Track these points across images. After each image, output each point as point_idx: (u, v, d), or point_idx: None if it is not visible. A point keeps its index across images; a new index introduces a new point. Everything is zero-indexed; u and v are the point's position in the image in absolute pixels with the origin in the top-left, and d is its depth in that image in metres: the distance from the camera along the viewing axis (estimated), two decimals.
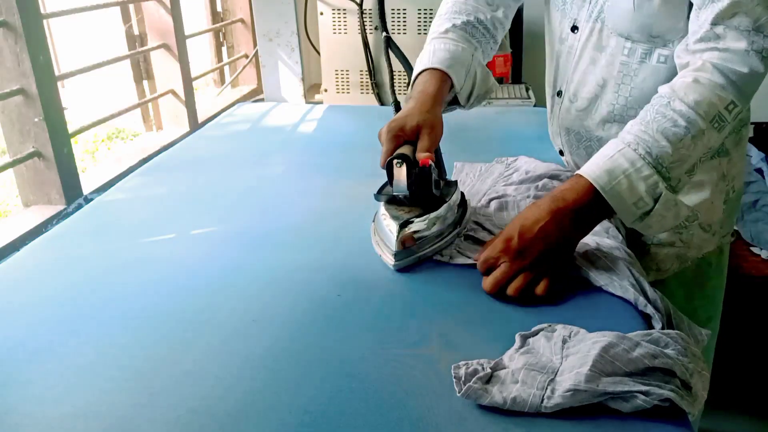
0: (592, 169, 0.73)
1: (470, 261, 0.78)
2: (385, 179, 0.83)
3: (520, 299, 0.71)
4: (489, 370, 0.57)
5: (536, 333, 0.63)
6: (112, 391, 0.58)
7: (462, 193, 0.88)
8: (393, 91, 1.58)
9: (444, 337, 0.65)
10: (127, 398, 0.57)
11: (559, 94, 1.02)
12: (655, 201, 0.71)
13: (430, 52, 0.92)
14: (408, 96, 0.91)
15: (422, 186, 0.80)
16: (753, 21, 0.71)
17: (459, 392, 0.55)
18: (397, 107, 1.47)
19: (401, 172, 0.78)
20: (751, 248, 2.20)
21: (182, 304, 0.72)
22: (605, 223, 0.83)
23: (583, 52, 0.95)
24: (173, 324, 0.68)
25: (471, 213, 0.88)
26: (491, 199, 0.92)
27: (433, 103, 0.86)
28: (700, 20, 0.75)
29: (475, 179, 1.03)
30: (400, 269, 0.78)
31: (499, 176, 1.01)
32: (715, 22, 0.73)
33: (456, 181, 0.89)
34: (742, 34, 0.72)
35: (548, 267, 0.72)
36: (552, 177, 0.96)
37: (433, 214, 0.79)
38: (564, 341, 0.60)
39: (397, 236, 0.77)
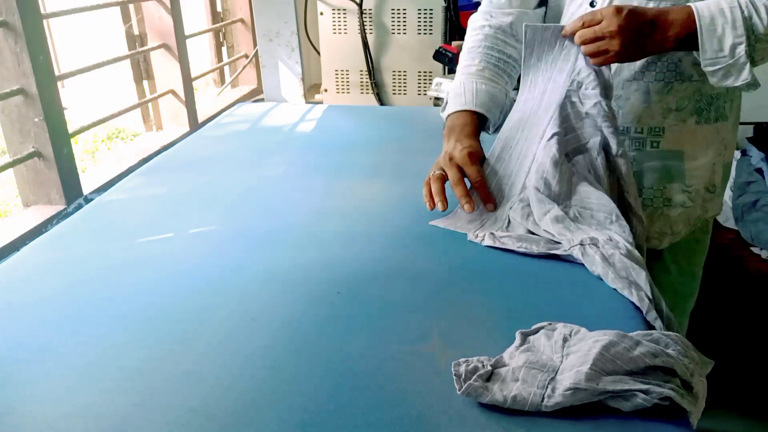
0: (703, 7, 0.85)
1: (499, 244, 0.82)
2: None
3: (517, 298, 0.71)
4: (489, 368, 0.57)
5: (537, 331, 0.63)
6: (112, 391, 0.58)
7: None
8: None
9: (444, 335, 0.65)
10: (127, 398, 0.57)
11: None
12: (733, 58, 0.84)
13: (472, 92, 1.01)
14: (447, 131, 0.99)
15: None
16: None
17: (459, 390, 0.55)
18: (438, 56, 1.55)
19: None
20: (751, 248, 2.20)
21: (182, 304, 0.72)
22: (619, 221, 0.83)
23: None
24: (173, 324, 0.68)
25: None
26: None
27: (471, 143, 0.94)
28: None
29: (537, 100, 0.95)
30: None
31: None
32: None
33: None
34: None
35: (624, 47, 0.85)
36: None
37: None
38: (565, 339, 0.60)
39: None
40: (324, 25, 1.69)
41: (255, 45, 2.15)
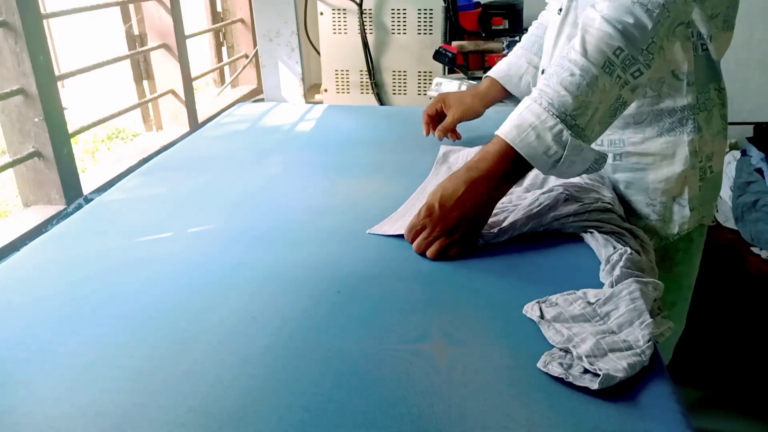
0: (504, 128, 0.79)
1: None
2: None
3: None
4: (577, 353, 0.59)
5: (545, 314, 0.66)
6: (112, 390, 0.58)
7: None
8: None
9: (444, 333, 0.65)
10: (127, 398, 0.57)
11: (543, 72, 1.07)
12: (564, 148, 0.76)
13: (499, 65, 1.24)
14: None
15: None
16: None
17: (597, 386, 0.55)
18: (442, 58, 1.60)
19: None
20: (752, 248, 2.20)
21: (182, 304, 0.72)
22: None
23: (562, 30, 1.01)
24: (173, 323, 0.68)
25: None
26: None
27: (473, 98, 1.22)
28: None
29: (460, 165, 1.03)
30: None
31: None
32: None
33: None
34: None
35: (464, 233, 0.81)
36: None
37: None
38: (589, 303, 0.66)
39: None
40: (324, 25, 1.69)
41: (255, 45, 2.15)
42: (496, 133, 0.80)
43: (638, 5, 0.76)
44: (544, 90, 0.78)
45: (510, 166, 0.79)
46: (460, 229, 0.80)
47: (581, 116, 0.76)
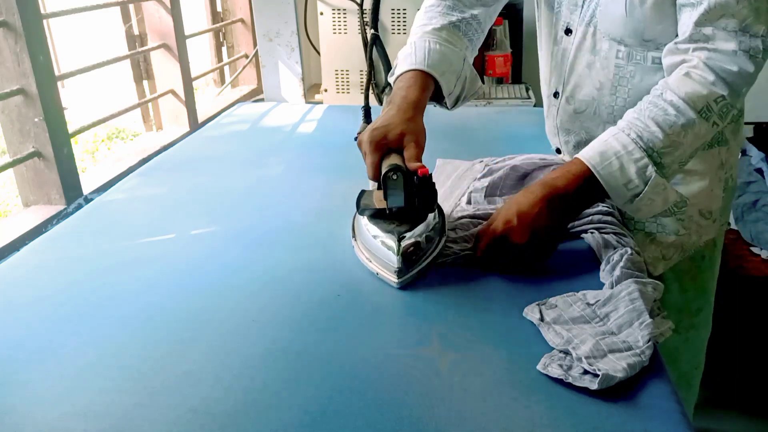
0: (587, 152, 0.78)
1: (464, 251, 0.80)
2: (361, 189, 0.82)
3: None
4: (576, 354, 0.59)
5: (545, 316, 0.66)
6: (112, 391, 0.58)
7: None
8: (366, 95, 1.45)
9: (443, 337, 0.65)
10: (127, 398, 0.57)
11: (556, 95, 1.03)
12: (645, 183, 0.74)
13: (423, 50, 0.88)
14: (388, 100, 0.87)
15: (426, 197, 0.77)
16: (739, 22, 0.75)
17: (598, 387, 0.55)
18: (367, 113, 1.33)
19: (398, 184, 0.75)
20: (751, 248, 2.20)
21: (182, 304, 0.72)
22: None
23: (578, 55, 0.96)
24: (173, 324, 0.68)
25: (448, 216, 0.88)
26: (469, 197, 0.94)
27: (414, 112, 0.83)
28: (687, 20, 0.78)
29: (456, 179, 1.02)
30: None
31: (477, 174, 1.01)
32: (702, 23, 0.76)
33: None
34: (729, 35, 0.76)
35: (538, 249, 0.78)
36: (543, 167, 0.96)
37: (422, 225, 0.76)
38: (588, 304, 0.67)
39: (398, 251, 0.72)
40: (324, 25, 1.68)
41: (255, 45, 2.14)
42: (578, 155, 0.78)
43: (741, 54, 0.75)
44: (634, 122, 0.76)
45: (586, 191, 0.77)
46: (534, 244, 0.76)
47: (668, 155, 0.75)
